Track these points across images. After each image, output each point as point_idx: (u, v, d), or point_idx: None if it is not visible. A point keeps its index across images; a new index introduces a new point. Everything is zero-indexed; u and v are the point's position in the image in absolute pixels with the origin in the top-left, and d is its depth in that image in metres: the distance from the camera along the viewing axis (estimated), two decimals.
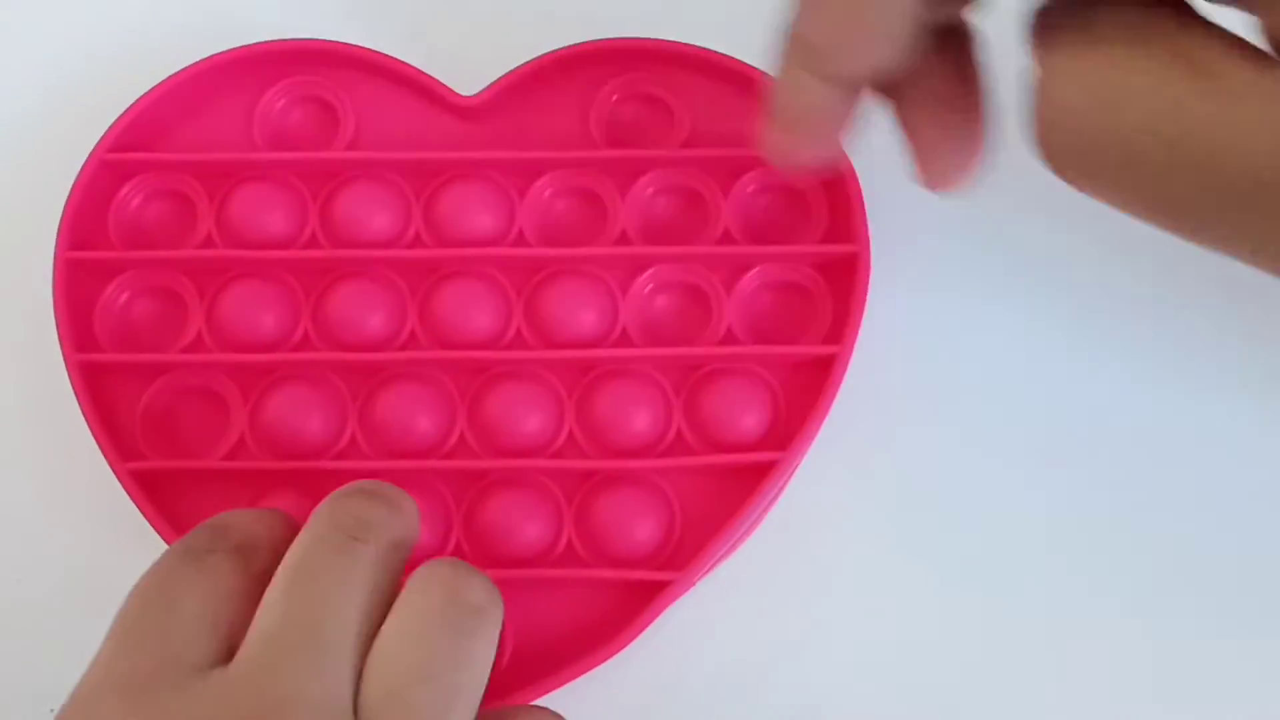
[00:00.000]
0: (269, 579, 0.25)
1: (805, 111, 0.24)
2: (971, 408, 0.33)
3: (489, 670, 0.25)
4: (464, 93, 0.34)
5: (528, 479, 0.32)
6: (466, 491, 0.32)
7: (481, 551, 0.32)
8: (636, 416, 0.32)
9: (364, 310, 0.33)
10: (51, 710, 0.29)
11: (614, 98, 0.35)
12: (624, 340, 0.33)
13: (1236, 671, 0.32)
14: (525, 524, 0.32)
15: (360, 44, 0.34)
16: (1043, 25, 0.21)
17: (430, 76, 0.34)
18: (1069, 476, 0.33)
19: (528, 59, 0.34)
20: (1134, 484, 0.33)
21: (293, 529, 0.26)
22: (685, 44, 0.34)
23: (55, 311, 0.32)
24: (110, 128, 0.33)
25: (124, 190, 0.34)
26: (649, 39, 0.34)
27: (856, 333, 0.32)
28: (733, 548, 0.32)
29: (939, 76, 0.24)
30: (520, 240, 0.34)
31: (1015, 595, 0.32)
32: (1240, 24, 0.20)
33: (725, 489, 0.32)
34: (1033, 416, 0.33)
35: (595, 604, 0.31)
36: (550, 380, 0.33)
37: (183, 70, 0.34)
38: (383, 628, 0.24)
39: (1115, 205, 0.21)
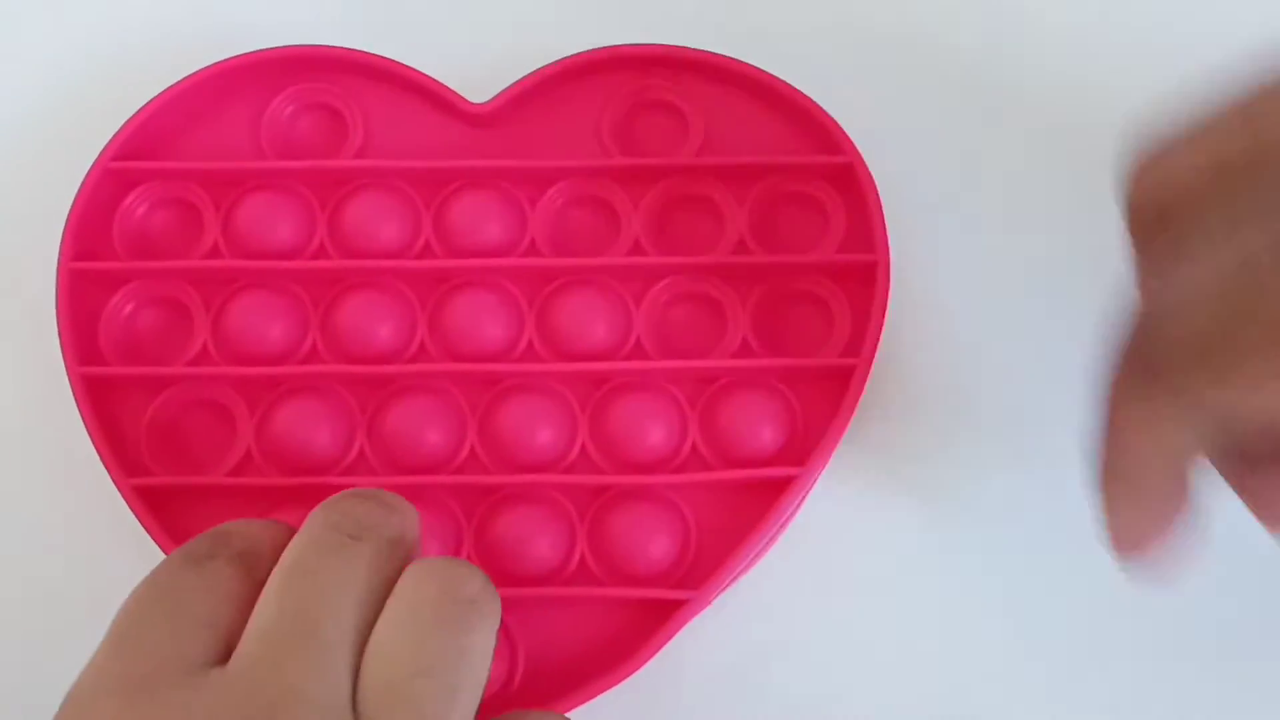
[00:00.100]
0: None
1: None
2: (995, 420, 0.33)
3: (488, 666, 0.24)
4: (475, 100, 0.34)
5: (540, 494, 0.32)
6: (477, 507, 0.32)
7: (492, 569, 0.31)
8: (651, 430, 0.32)
9: (373, 322, 0.33)
10: None
11: (627, 104, 0.34)
12: (638, 352, 0.33)
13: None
14: (537, 541, 0.31)
15: (369, 50, 0.34)
16: None
17: (440, 83, 0.34)
18: None
19: (539, 65, 0.34)
20: None
21: None
22: (699, 50, 0.34)
23: (58, 323, 0.32)
24: (115, 135, 0.33)
25: (128, 199, 0.34)
26: (662, 45, 0.34)
27: (876, 344, 0.31)
28: (749, 565, 0.32)
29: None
30: (532, 250, 0.33)
31: (1042, 611, 0.32)
32: None
33: (742, 505, 0.31)
34: (1058, 428, 0.33)
35: (608, 623, 0.31)
36: (562, 393, 0.32)
37: (189, 76, 0.33)
38: (378, 622, 0.24)
39: None
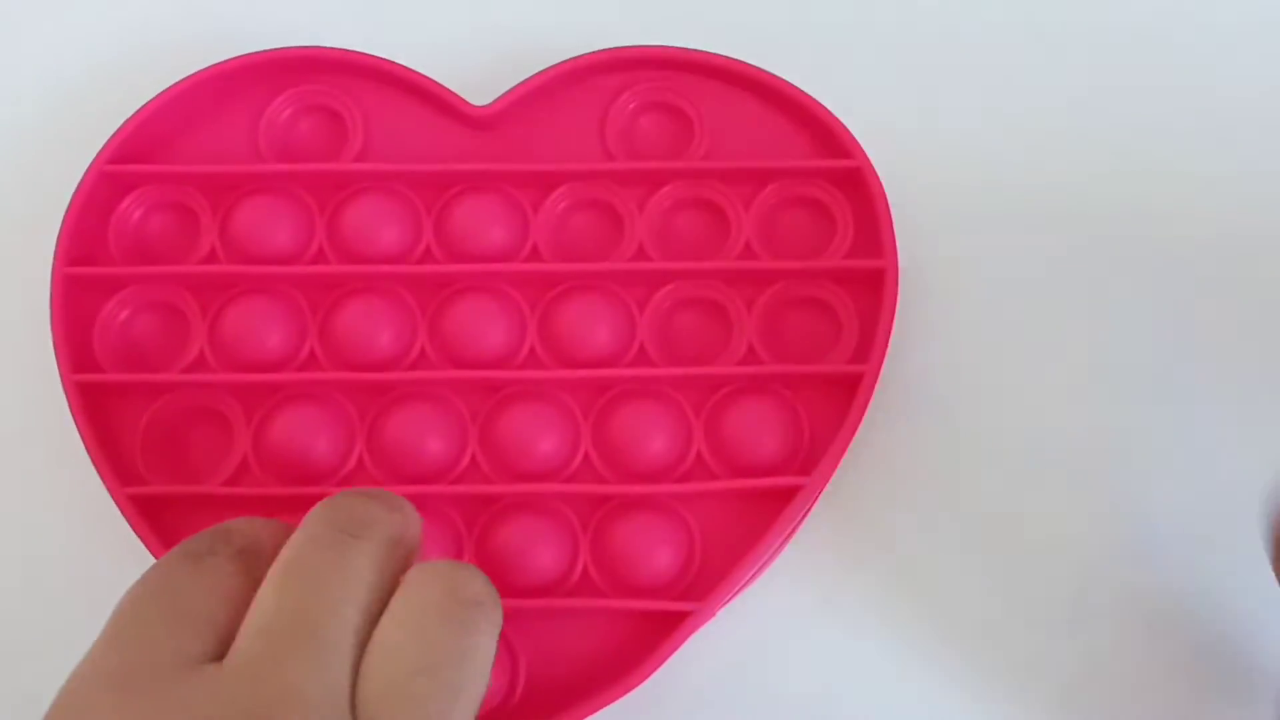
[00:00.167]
0: None
1: None
2: (1005, 429, 0.32)
3: (490, 670, 0.24)
4: (476, 102, 0.34)
5: (542, 504, 0.31)
6: (478, 517, 0.31)
7: (493, 579, 0.30)
8: (655, 439, 0.31)
9: (372, 328, 0.32)
10: None
11: (631, 107, 0.34)
12: (642, 359, 0.32)
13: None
14: (539, 551, 0.31)
15: (369, 51, 0.34)
16: None
17: (441, 85, 0.34)
18: (1110, 499, 0.32)
19: (542, 67, 0.33)
20: (1174, 505, 0.32)
21: None
22: (705, 52, 0.33)
23: (53, 329, 0.32)
24: (111, 138, 0.33)
25: (125, 203, 0.33)
26: (667, 47, 0.34)
27: (884, 351, 0.31)
28: (755, 576, 0.31)
29: None
30: (534, 255, 0.33)
31: (1052, 623, 0.31)
32: None
33: (747, 515, 0.31)
34: (1070, 438, 0.32)
35: (611, 636, 0.30)
36: (565, 401, 0.32)
37: (186, 78, 0.33)
38: (381, 621, 0.24)
39: None
